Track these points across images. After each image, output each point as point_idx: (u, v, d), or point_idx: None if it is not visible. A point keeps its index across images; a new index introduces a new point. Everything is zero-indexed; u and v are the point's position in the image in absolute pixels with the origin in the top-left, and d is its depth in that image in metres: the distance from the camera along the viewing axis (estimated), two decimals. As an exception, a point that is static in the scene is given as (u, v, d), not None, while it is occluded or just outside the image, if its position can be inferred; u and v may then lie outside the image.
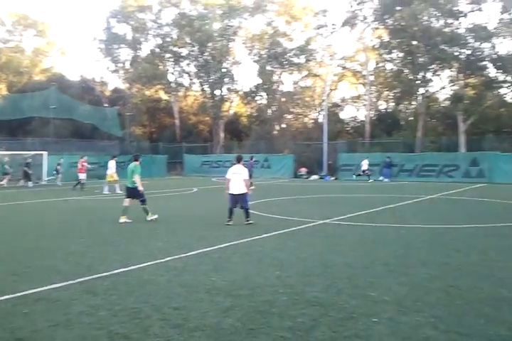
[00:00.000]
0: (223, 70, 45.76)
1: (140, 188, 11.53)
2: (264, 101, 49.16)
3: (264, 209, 13.69)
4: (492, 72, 37.41)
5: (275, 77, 48.12)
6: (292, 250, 7.94)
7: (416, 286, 5.70)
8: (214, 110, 45.54)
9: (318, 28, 42.32)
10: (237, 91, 48.75)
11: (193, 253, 7.68)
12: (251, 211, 11.18)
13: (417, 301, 5.10)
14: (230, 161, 38.91)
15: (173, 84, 48.08)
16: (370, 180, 30.19)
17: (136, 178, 11.52)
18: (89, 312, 4.86)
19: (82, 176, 22.80)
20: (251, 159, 24.70)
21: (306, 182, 31.55)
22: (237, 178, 10.85)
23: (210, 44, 45.13)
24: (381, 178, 31.35)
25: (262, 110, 48.52)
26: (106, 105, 44.94)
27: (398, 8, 36.94)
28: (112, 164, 20.94)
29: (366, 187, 25.15)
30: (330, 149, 37.49)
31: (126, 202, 11.65)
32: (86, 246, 8.47)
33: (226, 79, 46.35)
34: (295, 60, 46.83)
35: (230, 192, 10.88)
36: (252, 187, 21.06)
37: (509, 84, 38.09)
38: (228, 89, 47.74)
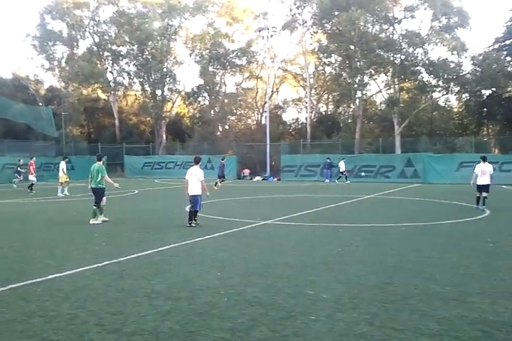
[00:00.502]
0: (164, 70, 45.16)
1: (115, 185, 11.88)
2: (207, 102, 48.96)
3: (207, 211, 13.59)
4: (425, 76, 39.23)
5: (217, 78, 48.05)
6: (234, 251, 7.95)
7: (353, 284, 5.86)
8: (155, 110, 44.83)
9: (259, 31, 42.66)
10: (179, 92, 48.27)
11: (132, 256, 7.51)
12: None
13: (354, 298, 5.24)
14: (173, 162, 38.63)
15: (111, 84, 46.83)
16: (347, 181, 30.29)
17: (107, 178, 11.67)
18: (21, 319, 4.64)
19: (32, 177, 22.27)
20: (222, 160, 25.93)
21: (250, 183, 31.72)
22: (193, 179, 10.97)
23: (150, 43, 44.42)
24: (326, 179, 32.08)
25: (205, 111, 48.30)
26: (40, 104, 43.11)
27: (336, 13, 37.95)
28: (63, 165, 20.71)
29: (308, 188, 25.62)
30: (273, 150, 37.91)
31: (103, 201, 11.77)
32: (19, 250, 8.08)
33: (167, 79, 45.80)
34: (237, 61, 47.04)
35: (188, 193, 11.02)
36: (215, 188, 21.59)
37: (441, 89, 40.09)
38: (170, 90, 47.19)
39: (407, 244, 8.64)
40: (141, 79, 46.57)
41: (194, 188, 10.92)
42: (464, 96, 44.17)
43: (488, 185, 14.66)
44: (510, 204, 16.40)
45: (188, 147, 42.60)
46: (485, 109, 42.83)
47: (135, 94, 51.46)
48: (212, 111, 48.30)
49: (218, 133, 48.34)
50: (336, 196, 19.69)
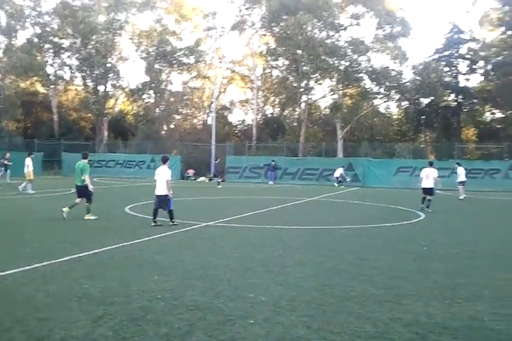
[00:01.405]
0: (108, 65, 43.85)
1: (90, 187, 11.84)
2: (152, 100, 48.06)
3: (147, 212, 13.25)
4: (367, 83, 40.46)
5: (164, 76, 47.29)
6: (174, 253, 7.77)
7: (292, 286, 5.86)
8: (97, 106, 43.39)
9: (208, 30, 42.47)
10: (123, 88, 47.05)
11: (65, 259, 7.16)
12: (136, 214, 10.79)
13: (292, 301, 5.24)
14: (114, 161, 37.53)
15: (52, 77, 44.94)
16: (342, 186, 29.99)
17: (86, 177, 11.75)
18: None
19: None
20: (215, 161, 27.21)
21: (194, 183, 31.39)
22: (160, 179, 10.90)
23: (94, 37, 42.96)
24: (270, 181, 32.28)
25: (150, 109, 47.38)
26: (-27, 96, 40.70)
27: (284, 16, 38.38)
28: (29, 161, 19.90)
29: (252, 190, 25.68)
30: (218, 151, 37.72)
31: (78, 200, 11.95)
32: None
33: (111, 75, 44.52)
34: (184, 59, 46.51)
35: (155, 193, 10.97)
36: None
37: (382, 96, 41.48)
38: (113, 86, 45.90)
39: (346, 246, 8.79)
40: (83, 74, 44.96)
41: (161, 188, 10.87)
42: (403, 103, 45.98)
43: (431, 188, 15.76)
44: (444, 209, 17.12)
45: (130, 145, 41.54)
46: (423, 117, 44.81)
47: (76, 89, 49.65)
48: (157, 110, 47.47)
49: (163, 132, 47.55)
50: (279, 198, 19.84)
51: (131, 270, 6.57)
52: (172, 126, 49.13)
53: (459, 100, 43.92)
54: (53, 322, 4.44)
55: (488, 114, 46.45)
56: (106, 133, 45.07)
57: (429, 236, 10.22)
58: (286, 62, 41.04)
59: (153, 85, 46.06)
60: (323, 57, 38.10)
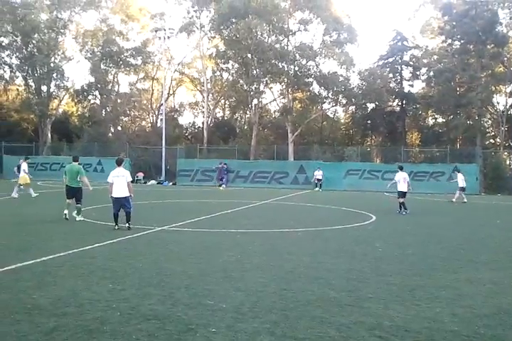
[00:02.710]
0: (51, 65, 42.31)
1: (90, 188, 12.52)
2: (98, 102, 46.78)
3: (97, 216, 12.83)
4: (316, 88, 41.18)
5: (110, 77, 46.15)
6: (127, 260, 7.47)
7: (252, 291, 5.74)
8: (40, 107, 41.71)
9: (156, 31, 41.81)
10: (67, 89, 45.55)
11: (10, 267, 6.70)
12: (86, 219, 10.35)
13: (254, 307, 5.13)
14: (58, 164, 36.06)
15: (-11, 76, 42.83)
16: (317, 189, 30.21)
17: (84, 179, 12.47)
18: None
19: None
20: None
21: (144, 187, 30.72)
22: (120, 181, 10.66)
23: (36, 35, 41.33)
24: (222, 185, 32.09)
25: (96, 110, 46.08)
26: None
27: (234, 20, 38.40)
28: (24, 166, 19.38)
29: (204, 193, 25.42)
30: (168, 154, 37.17)
31: (69, 201, 12.37)
32: None
33: (54, 75, 42.97)
34: (132, 60, 45.66)
35: (114, 195, 10.65)
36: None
37: (330, 100, 42.33)
38: (57, 86, 44.39)
39: (303, 249, 8.79)
40: (24, 74, 43.16)
41: (122, 190, 10.62)
42: (350, 108, 47.15)
43: (406, 192, 16.47)
44: (392, 210, 17.57)
45: (75, 148, 40.10)
46: (369, 121, 46.12)
47: (17, 89, 47.58)
48: (103, 111, 46.24)
49: (110, 134, 46.34)
50: (232, 201, 19.71)
51: (83, 278, 6.25)
52: (119, 128, 47.97)
53: (403, 105, 45.55)
54: (1, 337, 4.11)
55: (430, 118, 48.45)
56: (49, 135, 43.45)
57: (382, 237, 10.42)
58: (236, 66, 41.08)
59: (99, 86, 44.88)
60: (272, 61, 38.43)
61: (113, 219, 10.72)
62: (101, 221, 12.04)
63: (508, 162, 36.12)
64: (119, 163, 10.97)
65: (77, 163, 12.80)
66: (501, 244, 9.92)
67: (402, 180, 16.31)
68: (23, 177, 19.32)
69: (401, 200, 16.20)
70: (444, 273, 6.97)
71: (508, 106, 40.01)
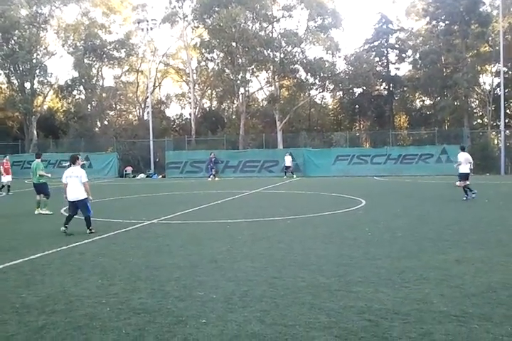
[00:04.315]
0: (34, 61, 41.70)
1: (48, 175, 13.14)
2: (83, 97, 46.30)
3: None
4: (303, 74, 40.99)
5: (94, 71, 45.61)
6: (116, 255, 7.43)
7: (243, 281, 5.74)
8: (24, 105, 41.19)
9: (138, 23, 41.26)
10: (51, 85, 44.98)
11: (-2, 267, 6.66)
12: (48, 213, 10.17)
13: (244, 296, 5.13)
14: (46, 161, 35.65)
15: (-29, 74, 42.17)
16: (294, 176, 29.90)
17: (41, 172, 12.86)
18: None
19: (7, 178, 20.31)
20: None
21: (133, 181, 30.58)
22: (74, 182, 9.50)
23: (16, 32, 40.66)
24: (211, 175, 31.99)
25: (81, 106, 45.60)
26: None
27: (217, 8, 37.99)
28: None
29: (194, 185, 25.36)
30: (157, 147, 36.97)
31: (38, 198, 13.07)
32: None
33: (37, 71, 42.37)
34: (115, 53, 45.10)
35: (68, 198, 9.61)
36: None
37: (317, 86, 42.18)
38: (40, 82, 43.77)
39: (293, 236, 8.80)
40: (6, 71, 42.51)
41: (78, 191, 9.48)
42: (338, 94, 47.07)
43: (469, 173, 14.93)
44: (382, 194, 17.68)
45: (62, 144, 39.76)
46: (357, 106, 46.13)
47: (0, 87, 46.88)
48: (89, 106, 45.79)
49: (96, 129, 45.97)
50: (222, 192, 19.69)
51: (71, 275, 6.21)
52: (106, 123, 47.57)
53: (391, 89, 45.56)
54: (-13, 339, 4.08)
55: (418, 101, 48.54)
56: (35, 133, 43.00)
57: (371, 221, 10.46)
58: (222, 55, 40.73)
59: (83, 81, 44.36)
60: (258, 49, 38.16)
61: (64, 219, 9.69)
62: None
63: (496, 142, 36.33)
64: (73, 161, 9.78)
65: (39, 160, 13.19)
66: (489, 223, 10.00)
67: (463, 161, 14.80)
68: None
69: (461, 184, 14.69)
70: (433, 254, 7.02)
71: (494, 86, 40.15)
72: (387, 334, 3.97)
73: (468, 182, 14.79)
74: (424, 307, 4.63)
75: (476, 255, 6.90)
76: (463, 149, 15.48)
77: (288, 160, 30.47)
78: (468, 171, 14.88)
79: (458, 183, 14.81)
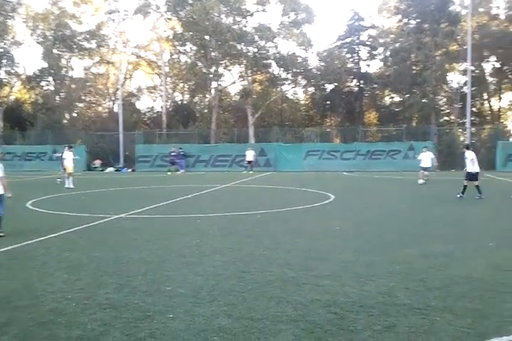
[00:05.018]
0: (1, 50, 40.43)
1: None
2: (52, 88, 45.20)
3: (51, 206, 12.48)
4: (276, 69, 41.02)
5: (63, 62, 44.57)
6: (83, 249, 7.31)
7: (211, 275, 5.74)
8: (-10, 95, 40.02)
9: (110, 13, 40.48)
10: (18, 75, 43.74)
11: (-42, 263, 6.47)
12: (40, 210, 9.96)
13: (212, 291, 5.13)
14: (12, 153, 34.80)
15: None
16: (251, 172, 29.71)
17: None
18: None
19: None
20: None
21: (101, 174, 30.11)
22: None
23: (-18, 20, 39.37)
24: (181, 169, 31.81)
25: (49, 97, 44.53)
26: None
27: (190, 1, 37.61)
28: (69, 155, 19.18)
29: (164, 179, 25.14)
30: (126, 140, 36.46)
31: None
32: None
33: (4, 61, 41.15)
34: (85, 44, 44.19)
35: None
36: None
37: (290, 82, 42.31)
38: (7, 72, 42.58)
39: (263, 231, 8.84)
40: (-29, 60, 41.14)
41: None
42: (310, 89, 47.31)
43: (478, 173, 14.28)
44: (350, 189, 17.93)
45: (29, 136, 38.75)
46: (328, 102, 46.46)
47: (-36, 76, 45.31)
48: (57, 97, 44.76)
49: (65, 121, 44.99)
50: (193, 186, 19.59)
51: (37, 270, 6.09)
52: (75, 115, 46.63)
53: (361, 85, 46.07)
54: None
55: (387, 98, 49.25)
56: (1, 124, 41.77)
57: (340, 216, 10.61)
58: (195, 48, 40.40)
59: (52, 71, 43.33)
60: (231, 43, 38.00)
61: None
62: (55, 210, 11.73)
63: (461, 139, 37.22)
64: None
65: None
66: (454, 219, 10.27)
67: (471, 161, 14.22)
68: (69, 166, 19.08)
69: (465, 183, 14.12)
70: (399, 248, 7.17)
71: (461, 84, 41.08)
72: (352, 327, 4.04)
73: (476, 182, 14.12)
74: (388, 300, 4.73)
75: (440, 249, 7.07)
76: (468, 148, 14.89)
77: (250, 155, 30.44)
78: (478, 170, 14.30)
79: (476, 183, 14.03)
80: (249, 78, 41.38)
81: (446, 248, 7.17)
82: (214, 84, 41.24)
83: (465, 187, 14.03)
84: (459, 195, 14.03)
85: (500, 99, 46.03)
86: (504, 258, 6.48)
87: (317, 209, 12.01)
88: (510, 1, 41.17)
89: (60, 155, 20.05)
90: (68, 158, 19.25)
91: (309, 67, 39.98)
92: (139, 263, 6.37)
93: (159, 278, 5.66)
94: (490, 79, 44.90)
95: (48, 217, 10.41)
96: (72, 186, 18.56)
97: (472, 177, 14.07)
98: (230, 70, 42.51)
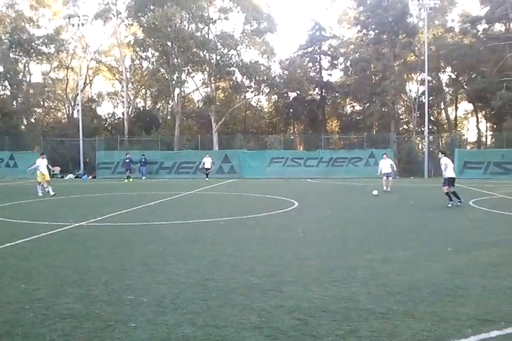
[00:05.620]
0: (-47, 53, 38.98)
1: None
2: (8, 92, 43.83)
3: (7, 215, 12.06)
4: (239, 77, 41.18)
5: (20, 66, 43.36)
6: (41, 259, 7.09)
7: (174, 283, 5.68)
8: None
9: (69, 18, 39.67)
10: (-28, 79, 42.18)
11: None
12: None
13: (176, 299, 5.07)
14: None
15: None
16: (206, 179, 29.23)
17: None
18: None
19: None
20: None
21: (61, 181, 29.31)
22: None
23: None
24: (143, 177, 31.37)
25: (6, 102, 43.13)
26: None
27: (152, 7, 37.34)
28: (41, 162, 18.36)
29: (126, 186, 24.74)
30: (87, 146, 35.69)
31: None
32: None
33: (-43, 64, 39.66)
34: (44, 49, 43.14)
35: None
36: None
37: (253, 89, 42.57)
38: (-40, 76, 40.94)
39: (226, 238, 8.82)
40: None
41: None
42: (273, 97, 47.74)
43: (455, 178, 14.23)
44: (313, 196, 18.14)
45: (-15, 142, 37.40)
46: (291, 110, 47.01)
47: None
48: (14, 103, 43.42)
49: (22, 127, 43.70)
50: (156, 193, 19.35)
51: (-8, 281, 5.86)
52: (33, 121, 45.36)
53: (323, 94, 46.86)
54: None
55: (348, 106, 50.27)
56: (-46, 129, 40.10)
57: (303, 223, 10.70)
58: (157, 54, 40.06)
59: (8, 76, 42.02)
60: (194, 50, 37.91)
61: None
62: (11, 218, 11.35)
63: (420, 146, 38.35)
64: None
65: None
66: (414, 225, 10.53)
67: (449, 165, 14.11)
68: (42, 173, 18.44)
69: (446, 190, 13.96)
70: (361, 254, 7.29)
71: (419, 94, 42.37)
72: (315, 332, 4.07)
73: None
74: (351, 305, 4.80)
75: (401, 254, 7.24)
76: (444, 154, 14.82)
77: (208, 162, 30.30)
78: (454, 175, 14.25)
79: (445, 189, 13.95)
80: (213, 85, 41.36)
81: (406, 253, 7.35)
82: (177, 90, 41.00)
83: (447, 193, 13.93)
84: (450, 204, 13.79)
85: (456, 108, 47.74)
86: (462, 263, 6.70)
87: (281, 216, 12.09)
88: (464, 15, 42.91)
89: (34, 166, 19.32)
90: (42, 165, 18.67)
91: (272, 75, 40.33)
92: (100, 272, 6.23)
93: (121, 287, 5.55)
94: (446, 89, 46.48)
95: (4, 226, 10.04)
96: (52, 193, 18.14)
97: (450, 182, 13.94)
98: (193, 77, 42.41)
